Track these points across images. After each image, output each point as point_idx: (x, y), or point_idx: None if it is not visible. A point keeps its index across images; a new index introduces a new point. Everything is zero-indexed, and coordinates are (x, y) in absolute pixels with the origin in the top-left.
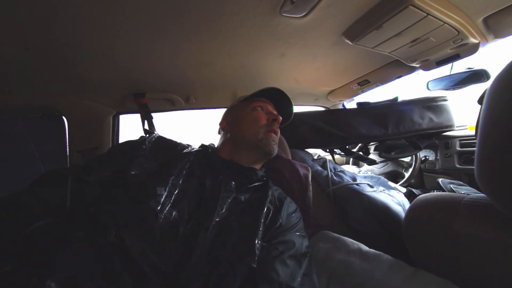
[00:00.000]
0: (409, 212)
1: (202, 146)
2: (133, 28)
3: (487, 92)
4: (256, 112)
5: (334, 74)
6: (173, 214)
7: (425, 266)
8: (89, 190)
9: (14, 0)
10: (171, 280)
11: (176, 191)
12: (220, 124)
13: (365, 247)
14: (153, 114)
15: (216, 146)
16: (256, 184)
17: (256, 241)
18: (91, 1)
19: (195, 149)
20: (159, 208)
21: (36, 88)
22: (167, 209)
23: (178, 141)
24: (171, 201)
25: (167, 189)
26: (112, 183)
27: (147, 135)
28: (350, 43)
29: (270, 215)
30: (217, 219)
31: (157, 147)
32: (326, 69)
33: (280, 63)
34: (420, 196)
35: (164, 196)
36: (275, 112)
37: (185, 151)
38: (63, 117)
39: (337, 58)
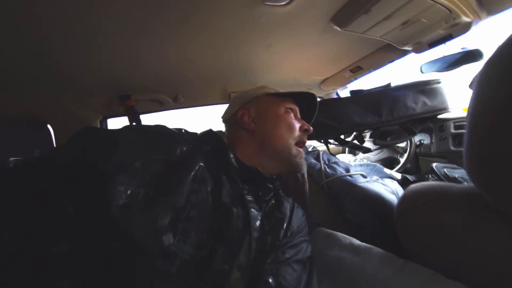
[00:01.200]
0: (400, 203)
1: (214, 141)
2: (115, 26)
3: (476, 78)
4: (289, 117)
5: (325, 62)
6: (185, 251)
7: (417, 256)
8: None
9: None
10: None
11: (185, 224)
12: (239, 118)
13: (356, 241)
14: (143, 116)
15: (226, 141)
16: (270, 195)
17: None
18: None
19: (202, 146)
20: (173, 269)
21: (19, 95)
22: (177, 250)
23: (173, 131)
24: (181, 237)
25: (176, 232)
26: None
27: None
28: (339, 29)
29: (284, 227)
30: (252, 256)
31: (146, 152)
32: (317, 57)
33: (268, 54)
34: (411, 186)
35: (174, 245)
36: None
37: (188, 152)
38: (48, 125)
39: (327, 46)
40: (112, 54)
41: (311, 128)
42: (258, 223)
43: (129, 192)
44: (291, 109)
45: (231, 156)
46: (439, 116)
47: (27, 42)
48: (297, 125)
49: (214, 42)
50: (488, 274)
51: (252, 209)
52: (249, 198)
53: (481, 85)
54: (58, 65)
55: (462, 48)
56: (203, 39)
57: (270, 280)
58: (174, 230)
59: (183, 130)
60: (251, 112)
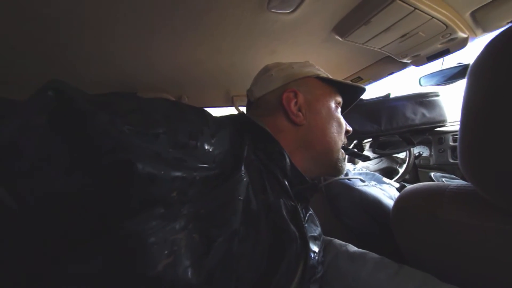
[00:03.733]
0: (396, 202)
1: (264, 139)
2: (127, 27)
3: (465, 81)
4: (339, 113)
5: (327, 71)
6: None
7: (413, 256)
8: None
9: None
10: None
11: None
12: (285, 101)
13: (352, 248)
14: None
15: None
16: (307, 211)
17: None
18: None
19: (243, 142)
20: None
21: (23, 91)
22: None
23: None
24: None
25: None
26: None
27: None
28: (340, 39)
29: (320, 244)
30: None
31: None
32: (319, 66)
33: (271, 60)
34: (407, 187)
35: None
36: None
37: (227, 154)
38: None
39: (328, 55)
40: (121, 51)
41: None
42: (316, 248)
43: (167, 241)
44: (340, 103)
45: (288, 161)
46: (438, 129)
47: (39, 43)
48: (344, 125)
49: (222, 46)
50: (483, 269)
51: (309, 235)
52: (302, 217)
53: (469, 87)
54: (66, 65)
55: (458, 63)
56: (211, 43)
57: None
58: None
59: (206, 113)
60: (299, 98)
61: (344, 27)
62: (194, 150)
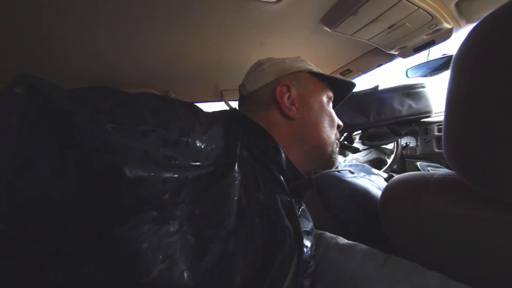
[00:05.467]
0: (383, 193)
1: (258, 135)
2: (109, 19)
3: (449, 72)
4: (330, 108)
5: (316, 64)
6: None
7: (400, 245)
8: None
9: None
10: None
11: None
12: (278, 95)
13: (342, 240)
14: None
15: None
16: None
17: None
18: None
19: (237, 139)
20: None
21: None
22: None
23: (204, 113)
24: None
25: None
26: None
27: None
28: (328, 30)
29: (312, 240)
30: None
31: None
32: (308, 59)
33: (260, 53)
34: (394, 177)
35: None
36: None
37: (222, 151)
38: None
39: (317, 47)
40: (102, 44)
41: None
42: (309, 244)
43: (161, 246)
44: (331, 97)
45: (283, 156)
46: (424, 120)
47: (13, 33)
48: (337, 121)
49: (209, 38)
50: (467, 257)
51: (303, 230)
52: (296, 212)
53: (453, 77)
54: (40, 51)
55: (443, 55)
56: (197, 35)
57: None
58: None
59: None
60: (292, 92)
61: (332, 17)
62: (186, 147)
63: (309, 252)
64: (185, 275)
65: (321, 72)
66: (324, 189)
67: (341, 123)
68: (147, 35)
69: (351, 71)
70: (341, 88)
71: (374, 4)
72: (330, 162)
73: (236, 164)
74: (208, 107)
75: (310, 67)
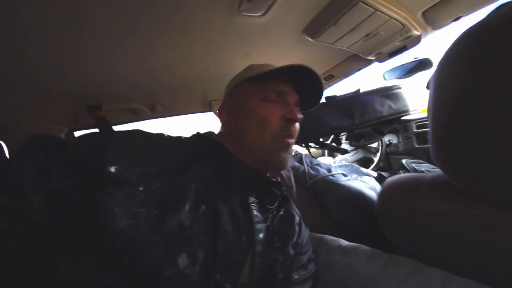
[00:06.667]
0: (380, 196)
1: (209, 142)
2: (83, 29)
3: (432, 77)
4: (266, 107)
5: None
6: (195, 273)
7: (399, 246)
8: None
9: None
10: None
11: (194, 242)
12: (218, 114)
13: (344, 242)
14: (116, 127)
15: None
16: (277, 202)
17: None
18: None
19: (196, 151)
20: None
21: None
22: (190, 273)
23: (162, 137)
24: (192, 258)
25: (189, 251)
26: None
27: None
28: (311, 40)
29: (293, 244)
30: (256, 273)
31: (142, 164)
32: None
33: (246, 62)
34: (388, 179)
35: (188, 267)
36: (294, 102)
37: (184, 160)
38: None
39: (301, 56)
40: (83, 58)
41: (299, 116)
42: (261, 235)
43: (130, 212)
44: (275, 92)
45: (236, 160)
46: (403, 118)
47: None
48: (278, 113)
49: (194, 49)
50: (463, 255)
51: (256, 220)
52: (254, 206)
53: (436, 82)
54: (20, 73)
55: (415, 58)
56: (181, 46)
57: None
58: (187, 250)
59: (165, 135)
60: (227, 107)
61: (314, 28)
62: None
63: (288, 262)
64: (148, 231)
65: (262, 71)
66: (320, 194)
67: (293, 114)
68: (129, 49)
69: (333, 76)
70: (309, 82)
71: (352, 15)
72: (271, 161)
73: (198, 164)
74: (197, 118)
75: (248, 74)
